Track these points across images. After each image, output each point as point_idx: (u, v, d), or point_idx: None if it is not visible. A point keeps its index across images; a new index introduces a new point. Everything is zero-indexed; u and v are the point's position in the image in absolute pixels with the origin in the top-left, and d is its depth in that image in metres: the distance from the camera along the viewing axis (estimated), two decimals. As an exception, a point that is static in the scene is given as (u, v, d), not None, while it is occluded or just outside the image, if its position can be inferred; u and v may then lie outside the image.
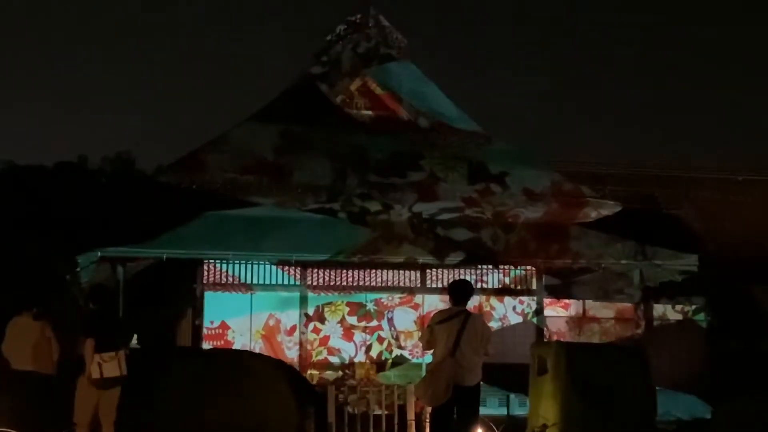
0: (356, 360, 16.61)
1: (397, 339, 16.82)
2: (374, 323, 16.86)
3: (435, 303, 16.38)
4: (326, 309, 16.72)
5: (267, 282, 16.43)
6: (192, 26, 74.97)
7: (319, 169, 16.75)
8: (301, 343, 16.52)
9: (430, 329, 8.60)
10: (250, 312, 16.42)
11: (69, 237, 16.05)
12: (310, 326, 16.66)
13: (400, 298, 17.04)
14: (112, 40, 71.51)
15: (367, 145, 17.47)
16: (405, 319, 17.00)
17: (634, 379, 9.85)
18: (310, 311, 16.64)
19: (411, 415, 11.47)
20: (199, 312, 16.15)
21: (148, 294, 15.87)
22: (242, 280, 16.31)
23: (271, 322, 16.58)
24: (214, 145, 17.20)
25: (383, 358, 16.69)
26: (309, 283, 16.56)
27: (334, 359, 16.54)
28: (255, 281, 16.38)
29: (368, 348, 16.69)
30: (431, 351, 8.67)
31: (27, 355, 9.79)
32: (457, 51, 67.72)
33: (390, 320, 16.90)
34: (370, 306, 16.84)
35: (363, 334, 16.76)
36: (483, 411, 9.37)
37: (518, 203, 17.11)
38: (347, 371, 16.15)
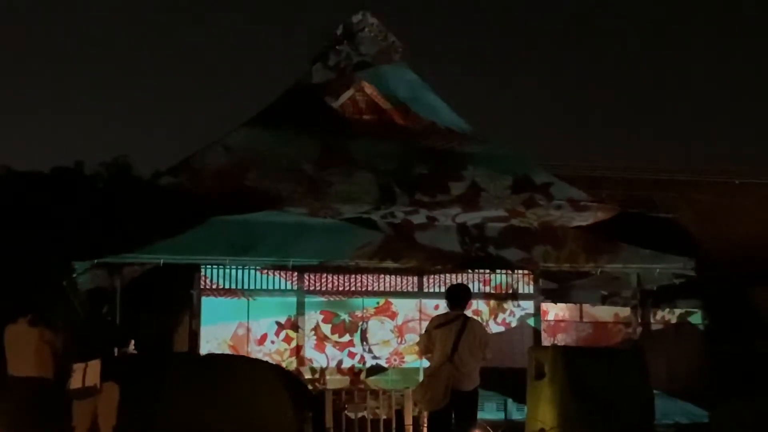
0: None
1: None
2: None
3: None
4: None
5: (264, 287, 16.34)
6: (191, 27, 75.01)
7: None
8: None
9: (428, 334, 8.59)
10: (247, 317, 16.30)
11: (66, 242, 16.04)
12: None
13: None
14: (110, 45, 71.55)
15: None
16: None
17: (632, 383, 9.86)
18: (307, 316, 16.46)
19: (408, 420, 11.49)
20: (196, 317, 16.07)
21: (145, 299, 15.82)
22: (239, 286, 16.21)
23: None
24: (214, 148, 17.20)
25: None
26: (306, 288, 16.46)
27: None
28: (252, 286, 16.28)
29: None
30: (428, 356, 8.65)
31: (27, 361, 9.78)
32: (453, 53, 67.82)
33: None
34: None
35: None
36: (481, 416, 9.39)
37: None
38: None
